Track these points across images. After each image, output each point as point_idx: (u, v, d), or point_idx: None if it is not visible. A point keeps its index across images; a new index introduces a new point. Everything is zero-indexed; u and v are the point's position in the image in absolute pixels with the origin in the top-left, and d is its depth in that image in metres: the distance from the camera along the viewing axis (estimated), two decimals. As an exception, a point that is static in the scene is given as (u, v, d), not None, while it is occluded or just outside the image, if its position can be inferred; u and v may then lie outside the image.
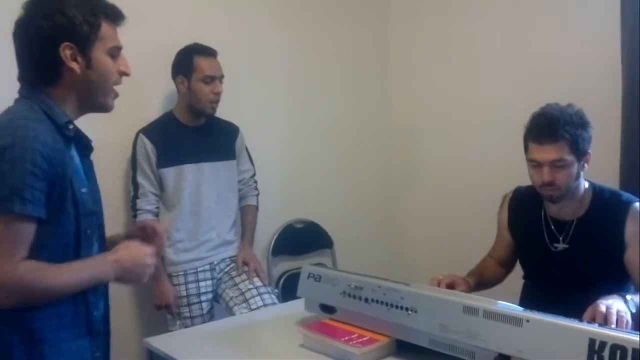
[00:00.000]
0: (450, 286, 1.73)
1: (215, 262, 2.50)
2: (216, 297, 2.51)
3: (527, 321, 1.27)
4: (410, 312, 1.47)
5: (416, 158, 3.40)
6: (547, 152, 1.68)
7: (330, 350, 1.54)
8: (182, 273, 2.44)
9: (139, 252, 1.37)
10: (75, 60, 1.30)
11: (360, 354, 1.48)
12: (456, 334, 1.36)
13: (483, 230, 2.10)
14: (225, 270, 2.52)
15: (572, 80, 2.57)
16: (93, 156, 2.31)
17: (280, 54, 3.05)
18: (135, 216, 2.41)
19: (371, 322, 1.58)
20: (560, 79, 2.62)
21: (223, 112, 2.53)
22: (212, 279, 2.49)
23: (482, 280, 1.90)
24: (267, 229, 2.99)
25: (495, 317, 1.31)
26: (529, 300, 1.84)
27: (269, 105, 3.03)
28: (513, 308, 1.35)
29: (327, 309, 1.71)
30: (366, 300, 1.59)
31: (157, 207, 2.44)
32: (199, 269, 2.46)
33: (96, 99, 1.38)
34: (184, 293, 2.43)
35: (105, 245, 1.45)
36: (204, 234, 2.47)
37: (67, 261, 1.27)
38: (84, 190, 1.34)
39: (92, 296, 1.36)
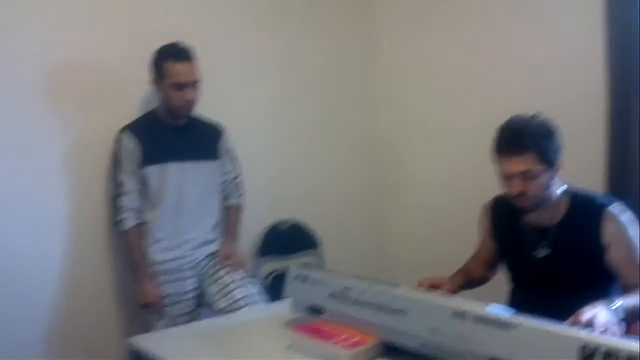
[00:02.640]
0: (434, 287, 1.72)
1: (198, 260, 2.48)
2: (200, 295, 2.48)
3: (518, 326, 1.27)
4: (399, 314, 1.46)
5: (403, 159, 3.42)
6: (515, 164, 1.68)
7: (318, 352, 1.52)
8: (165, 272, 2.41)
9: None
10: None
11: (349, 356, 1.46)
12: (446, 337, 1.35)
13: (469, 232, 2.10)
14: (208, 265, 2.49)
15: (558, 84, 2.60)
16: (77, 155, 2.28)
17: (268, 54, 3.03)
18: (116, 215, 2.38)
19: (360, 323, 1.57)
20: (546, 83, 2.65)
21: (209, 111, 2.50)
22: (195, 276, 2.47)
23: (469, 279, 1.91)
24: (253, 229, 2.97)
25: (485, 322, 1.31)
26: (515, 305, 1.83)
27: (256, 105, 3.01)
28: (503, 312, 1.34)
29: (315, 310, 1.70)
30: (354, 302, 1.58)
31: (140, 206, 2.40)
32: (181, 268, 2.43)
33: None
34: (166, 292, 2.40)
35: None
36: (185, 232, 2.45)
37: None
38: None
39: None
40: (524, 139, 1.67)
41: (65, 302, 2.46)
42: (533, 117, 1.73)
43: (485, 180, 2.13)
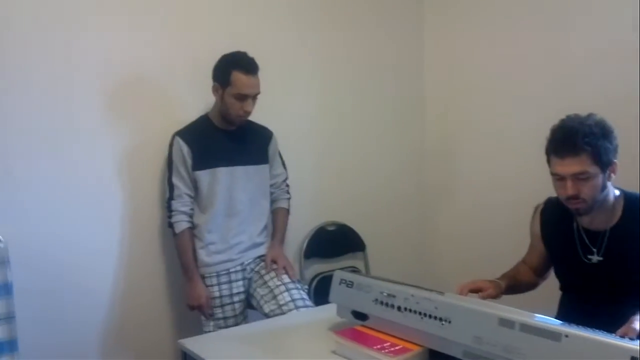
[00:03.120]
0: (475, 292, 1.71)
1: (246, 263, 2.52)
2: (248, 297, 2.53)
3: (566, 336, 1.24)
4: (444, 322, 1.45)
5: (450, 162, 3.38)
6: (569, 166, 1.64)
7: (362, 358, 1.53)
8: (215, 274, 2.47)
9: None
10: None
11: (392, 363, 1.47)
12: (491, 346, 1.33)
13: (517, 237, 2.08)
14: (255, 269, 2.53)
15: (609, 83, 2.52)
16: (133, 158, 2.38)
17: (314, 58, 3.06)
18: (170, 216, 2.45)
19: (404, 330, 1.57)
20: (596, 83, 2.58)
21: (257, 116, 2.54)
22: (244, 279, 2.51)
23: (516, 283, 1.87)
24: (299, 232, 3.01)
25: (532, 331, 1.29)
26: (566, 313, 1.80)
27: (303, 110, 3.05)
28: (551, 322, 1.32)
29: (360, 315, 1.70)
30: (399, 308, 1.58)
31: (192, 209, 2.47)
32: (231, 270, 2.48)
33: None
34: (217, 294, 2.45)
35: None
36: (235, 236, 2.50)
37: None
38: None
39: None
40: (578, 140, 1.63)
41: (119, 300, 2.56)
42: (588, 116, 1.69)
43: (533, 184, 2.10)
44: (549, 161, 1.72)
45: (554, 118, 1.75)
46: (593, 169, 1.64)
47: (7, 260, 2.20)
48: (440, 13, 3.35)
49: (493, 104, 3.09)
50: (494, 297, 1.76)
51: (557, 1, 2.75)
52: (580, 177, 1.64)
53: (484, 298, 1.73)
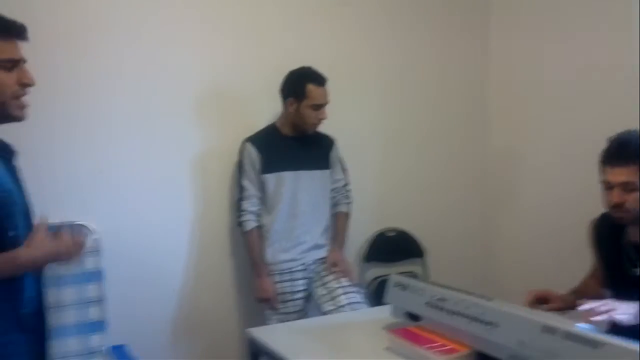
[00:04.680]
0: (543, 300, 1.75)
1: (308, 263, 2.67)
2: (308, 296, 2.67)
3: (606, 344, 1.31)
4: (490, 326, 1.54)
5: (516, 168, 3.33)
6: (616, 175, 1.69)
7: (413, 356, 1.64)
8: (278, 272, 2.63)
9: (38, 243, 1.41)
10: None
11: (442, 361, 1.57)
12: (534, 351, 1.42)
13: (582, 244, 2.06)
14: (317, 270, 2.68)
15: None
16: (205, 161, 2.59)
17: (376, 67, 3.13)
18: (240, 216, 2.63)
19: (453, 332, 1.66)
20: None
21: (321, 124, 2.67)
22: (305, 278, 2.66)
23: (585, 297, 1.89)
24: (360, 236, 3.11)
25: (573, 338, 1.35)
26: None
27: (366, 117, 3.13)
28: (592, 330, 1.38)
29: (413, 317, 1.81)
30: (449, 311, 1.67)
31: (260, 209, 2.64)
32: (293, 269, 2.64)
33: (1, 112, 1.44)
34: (279, 290, 2.61)
35: None
36: (298, 236, 2.65)
37: None
38: (2, 194, 1.42)
39: (21, 293, 1.44)
40: (628, 150, 1.68)
41: (190, 290, 2.76)
42: None
43: (599, 190, 2.08)
44: (600, 170, 1.77)
45: (620, 125, 1.78)
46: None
47: (100, 250, 2.45)
48: (507, 15, 3.31)
49: (560, 108, 3.02)
50: (559, 310, 1.80)
51: (626, 3, 2.66)
52: (626, 187, 1.69)
53: (547, 311, 1.76)
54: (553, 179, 3.09)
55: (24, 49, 1.47)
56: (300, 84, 2.57)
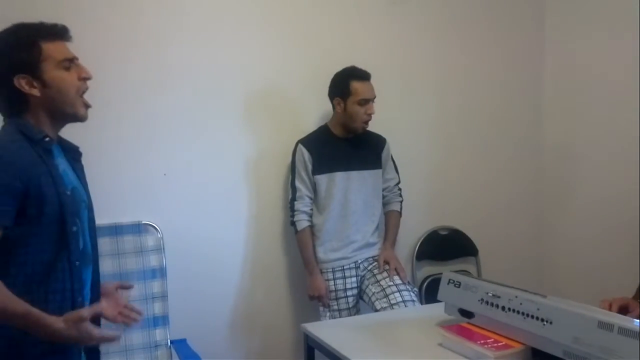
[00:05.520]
0: (623, 310, 1.71)
1: (360, 261, 2.71)
2: (360, 293, 2.71)
3: (664, 341, 1.30)
4: (545, 323, 1.54)
5: (571, 166, 3.30)
6: None
7: (466, 351, 1.65)
8: (331, 270, 2.68)
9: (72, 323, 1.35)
10: (32, 86, 1.42)
11: (494, 357, 1.57)
12: (589, 347, 1.41)
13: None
14: (369, 268, 2.71)
15: None
16: (260, 162, 2.67)
17: (429, 68, 3.15)
18: (292, 216, 2.70)
19: (507, 329, 1.66)
20: None
21: (373, 124, 2.72)
22: (357, 276, 2.70)
23: None
24: (412, 234, 3.13)
25: (630, 334, 1.35)
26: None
27: (419, 116, 3.15)
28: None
29: (466, 313, 1.82)
30: (503, 308, 1.68)
31: (312, 209, 2.70)
32: (345, 267, 2.68)
33: (64, 111, 1.47)
34: (332, 288, 2.67)
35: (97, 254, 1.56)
36: (350, 235, 2.69)
37: (54, 255, 1.39)
38: (68, 192, 1.44)
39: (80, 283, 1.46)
40: None
41: (246, 286, 2.85)
42: None
43: None
44: None
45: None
46: None
47: (163, 248, 2.57)
48: (562, 13, 3.28)
49: (615, 106, 2.99)
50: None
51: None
52: None
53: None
54: (609, 178, 3.05)
55: (89, 50, 1.55)
56: (344, 82, 2.62)
